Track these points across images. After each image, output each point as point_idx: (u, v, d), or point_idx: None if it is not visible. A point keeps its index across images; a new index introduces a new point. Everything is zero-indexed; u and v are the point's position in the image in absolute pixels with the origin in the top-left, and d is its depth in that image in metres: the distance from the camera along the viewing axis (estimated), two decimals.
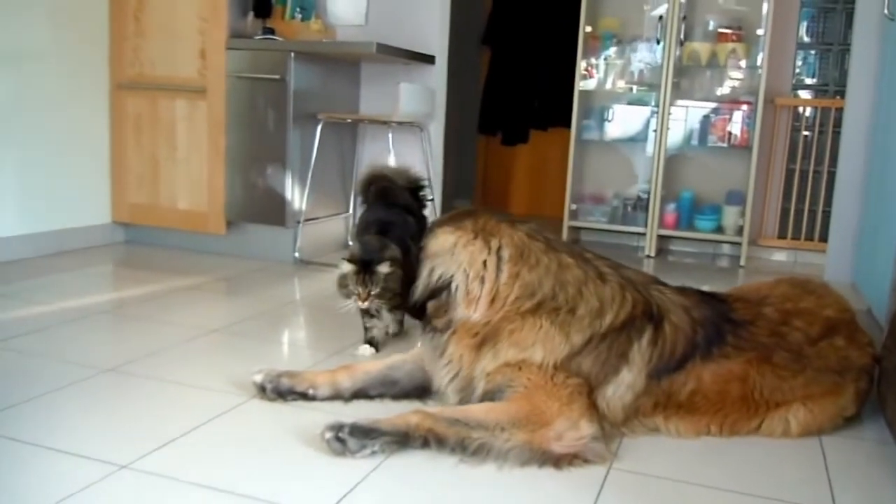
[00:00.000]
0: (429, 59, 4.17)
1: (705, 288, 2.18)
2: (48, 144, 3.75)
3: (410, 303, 1.99)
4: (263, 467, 1.66)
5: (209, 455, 1.71)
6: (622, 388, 1.86)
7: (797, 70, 4.78)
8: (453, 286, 1.89)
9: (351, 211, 4.39)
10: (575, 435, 1.72)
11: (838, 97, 4.57)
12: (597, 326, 1.83)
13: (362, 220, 2.75)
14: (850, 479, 1.78)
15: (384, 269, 2.31)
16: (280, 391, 2.03)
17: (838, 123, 4.23)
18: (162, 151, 4.00)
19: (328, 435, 1.70)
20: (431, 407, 1.88)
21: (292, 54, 3.71)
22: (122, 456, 1.66)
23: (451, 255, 1.89)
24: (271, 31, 3.95)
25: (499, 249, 1.90)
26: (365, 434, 1.70)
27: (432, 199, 2.61)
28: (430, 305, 1.95)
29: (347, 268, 2.32)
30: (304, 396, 2.03)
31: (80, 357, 2.30)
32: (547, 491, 1.63)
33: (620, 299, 1.87)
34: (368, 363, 2.14)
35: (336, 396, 2.05)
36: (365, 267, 2.30)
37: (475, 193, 6.61)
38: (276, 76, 3.73)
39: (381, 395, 2.07)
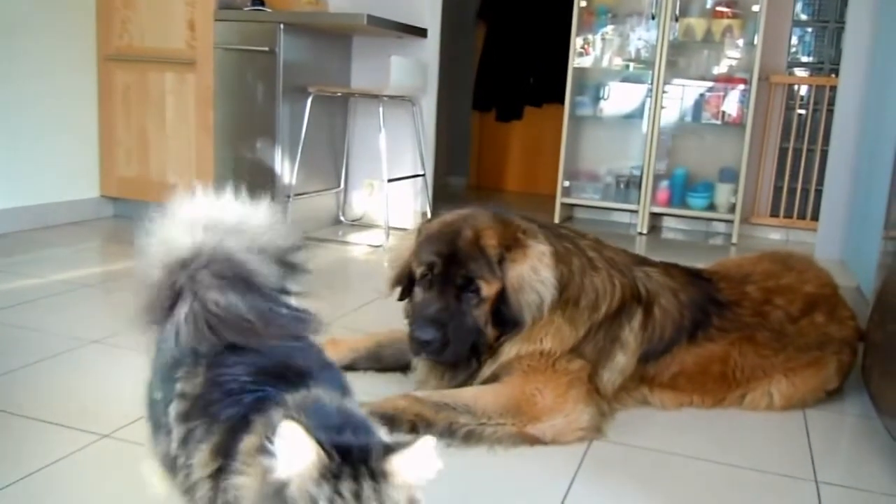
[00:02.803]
0: (421, 33, 4.13)
1: (699, 265, 2.18)
2: (35, 117, 3.71)
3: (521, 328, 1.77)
4: None
5: None
6: (615, 373, 1.87)
7: (792, 48, 4.75)
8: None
9: (342, 186, 4.37)
10: (570, 434, 1.71)
11: (833, 75, 4.55)
12: (595, 318, 1.83)
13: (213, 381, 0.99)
14: (832, 451, 1.79)
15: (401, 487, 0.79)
16: None
17: (833, 102, 4.21)
18: (150, 124, 3.97)
19: None
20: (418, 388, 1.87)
21: (282, 26, 3.67)
22: (104, 425, 1.66)
23: (543, 282, 1.73)
24: (261, 3, 3.91)
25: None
26: None
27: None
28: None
29: (306, 462, 0.75)
30: None
31: (66, 329, 2.29)
32: (528, 458, 1.64)
33: (612, 288, 1.86)
34: (356, 339, 2.13)
35: None
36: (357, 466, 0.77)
37: (469, 170, 6.59)
38: (266, 48, 3.69)
39: (366, 369, 2.07)
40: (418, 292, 1.78)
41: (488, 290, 1.72)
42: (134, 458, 1.53)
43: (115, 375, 1.99)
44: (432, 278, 1.73)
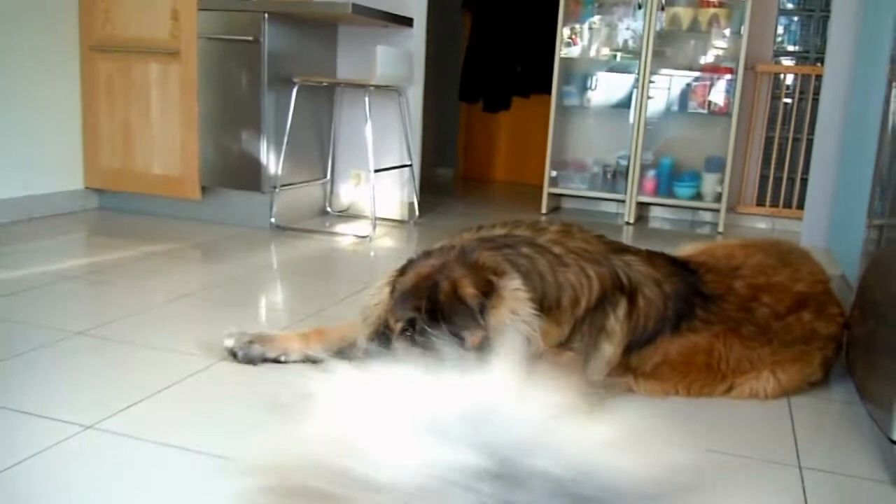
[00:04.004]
0: (407, 22, 4.11)
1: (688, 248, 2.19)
2: (17, 108, 3.67)
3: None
4: (229, 427, 1.65)
5: (175, 416, 1.70)
6: (602, 363, 1.87)
7: (779, 37, 4.76)
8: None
9: (328, 177, 4.35)
10: None
11: (819, 64, 4.56)
12: (577, 313, 1.82)
13: None
14: (817, 437, 1.81)
15: None
16: (251, 358, 2.02)
17: (818, 91, 4.22)
18: (135, 115, 3.93)
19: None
20: None
21: (266, 15, 3.65)
22: (87, 417, 1.64)
23: (525, 321, 1.71)
24: None
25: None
26: None
27: None
28: None
29: None
30: (276, 361, 2.03)
31: (50, 321, 2.27)
32: None
33: (587, 280, 1.84)
34: (344, 328, 2.12)
35: (307, 360, 2.05)
36: None
37: (457, 161, 6.58)
38: (250, 38, 3.66)
39: (353, 359, 2.07)
40: (398, 348, 1.72)
41: (473, 340, 1.68)
42: (117, 448, 1.53)
43: (100, 367, 1.98)
44: (414, 334, 1.68)
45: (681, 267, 2.05)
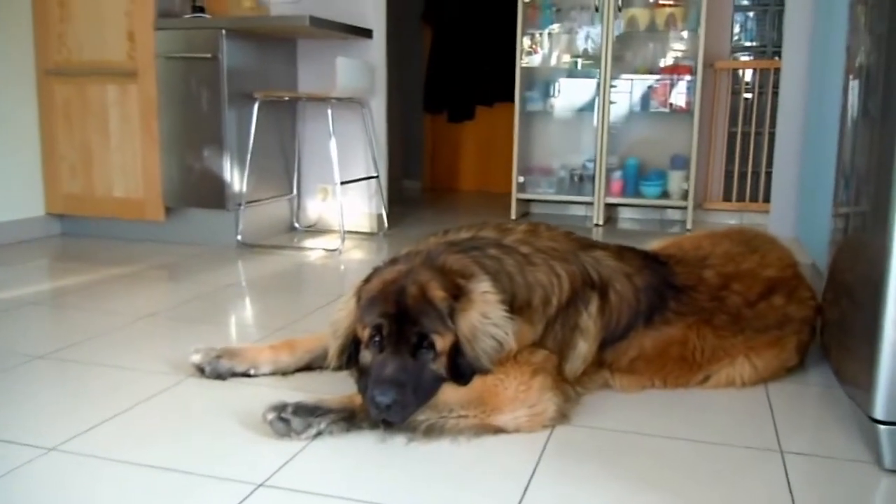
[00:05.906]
0: (366, 34, 4.09)
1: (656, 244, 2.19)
2: None
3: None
4: (199, 444, 1.60)
5: (142, 434, 1.65)
6: (578, 360, 1.84)
7: (735, 34, 4.82)
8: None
9: (295, 192, 4.31)
10: (536, 426, 1.68)
11: (776, 58, 4.62)
12: (549, 311, 1.80)
13: None
14: (796, 421, 1.79)
15: None
16: (219, 373, 1.97)
17: (777, 84, 4.26)
18: (94, 138, 3.86)
19: (270, 416, 1.61)
20: None
21: (223, 32, 3.61)
22: (49, 439, 1.59)
23: (496, 324, 1.67)
24: (201, 10, 3.83)
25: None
26: (310, 412, 1.62)
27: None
28: None
29: None
30: (246, 375, 1.98)
31: (10, 346, 2.20)
32: (492, 442, 1.61)
33: (557, 279, 1.82)
34: (312, 340, 2.08)
35: (277, 373, 2.01)
36: None
37: (423, 173, 6.56)
38: (208, 55, 3.62)
39: (322, 368, 2.02)
40: (367, 356, 1.68)
41: (442, 343, 1.64)
42: (82, 470, 1.47)
43: (62, 389, 1.92)
44: (383, 340, 1.64)
45: (651, 260, 2.04)
